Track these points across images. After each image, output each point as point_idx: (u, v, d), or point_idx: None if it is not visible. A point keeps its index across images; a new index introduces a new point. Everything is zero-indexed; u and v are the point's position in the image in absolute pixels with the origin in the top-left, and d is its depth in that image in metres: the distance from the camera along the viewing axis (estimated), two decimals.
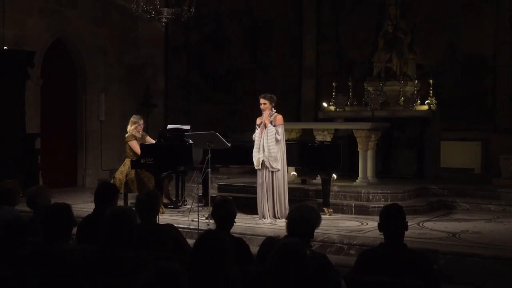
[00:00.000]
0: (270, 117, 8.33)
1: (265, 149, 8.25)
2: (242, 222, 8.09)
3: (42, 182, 11.37)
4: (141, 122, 9.77)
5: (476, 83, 12.96)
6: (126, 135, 9.68)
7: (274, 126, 8.27)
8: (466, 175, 12.26)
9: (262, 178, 8.35)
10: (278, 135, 8.24)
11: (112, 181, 9.34)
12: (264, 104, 8.36)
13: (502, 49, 12.76)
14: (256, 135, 8.41)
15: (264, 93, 8.57)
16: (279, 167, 8.28)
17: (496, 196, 10.02)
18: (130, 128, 9.68)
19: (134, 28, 13.55)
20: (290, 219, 4.34)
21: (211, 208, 5.03)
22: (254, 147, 8.39)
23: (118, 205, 5.45)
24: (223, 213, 4.82)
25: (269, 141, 8.23)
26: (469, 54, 12.97)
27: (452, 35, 13.13)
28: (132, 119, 9.78)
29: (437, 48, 13.26)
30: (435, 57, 13.24)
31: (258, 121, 8.49)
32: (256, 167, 8.40)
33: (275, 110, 8.45)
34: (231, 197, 5.33)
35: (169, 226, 5.17)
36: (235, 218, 4.88)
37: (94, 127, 13.92)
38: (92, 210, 5.39)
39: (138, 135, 9.67)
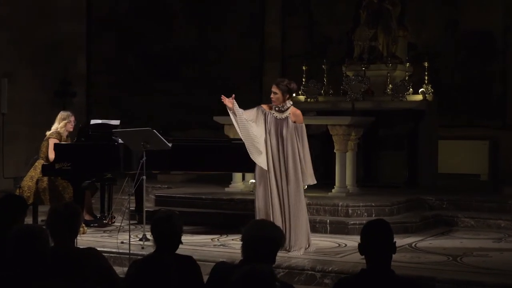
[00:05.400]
0: (284, 112, 8.10)
1: None
2: (187, 245, 8.07)
3: None
4: (72, 119, 9.82)
5: (482, 67, 13.15)
6: (49, 132, 9.63)
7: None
8: (470, 183, 12.42)
9: None
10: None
11: (18, 191, 9.24)
12: (274, 93, 8.07)
13: None
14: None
15: (281, 78, 8.37)
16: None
17: (507, 209, 10.14)
18: (57, 125, 9.70)
19: None
20: (246, 238, 4.32)
21: (148, 226, 4.98)
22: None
23: (25, 223, 5.38)
24: (167, 230, 4.78)
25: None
26: (473, 32, 13.15)
27: (452, 8, 13.30)
28: (59, 115, 9.83)
29: (433, 23, 13.41)
30: (431, 34, 13.39)
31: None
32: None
33: (291, 103, 8.20)
34: (177, 212, 5.29)
35: (92, 250, 5.12)
36: (181, 237, 4.85)
37: None
38: None
39: (65, 135, 9.68)
